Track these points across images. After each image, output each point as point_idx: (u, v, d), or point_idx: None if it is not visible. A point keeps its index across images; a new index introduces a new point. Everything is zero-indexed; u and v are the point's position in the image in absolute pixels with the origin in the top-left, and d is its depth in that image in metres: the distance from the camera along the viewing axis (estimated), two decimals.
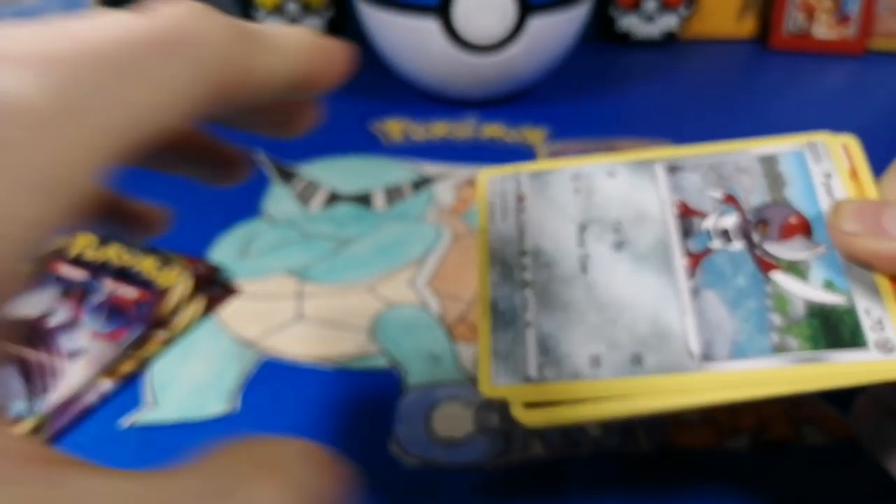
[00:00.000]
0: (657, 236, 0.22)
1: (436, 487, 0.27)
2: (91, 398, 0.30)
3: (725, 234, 0.22)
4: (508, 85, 0.53)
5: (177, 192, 0.46)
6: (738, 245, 0.22)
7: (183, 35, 0.14)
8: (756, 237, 0.21)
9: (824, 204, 0.21)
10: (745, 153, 0.24)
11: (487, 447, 0.28)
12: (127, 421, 0.30)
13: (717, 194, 0.23)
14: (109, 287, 0.35)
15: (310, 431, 0.29)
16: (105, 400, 0.31)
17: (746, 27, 0.65)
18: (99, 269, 0.36)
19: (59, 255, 0.37)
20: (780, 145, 0.23)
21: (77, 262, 0.37)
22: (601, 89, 0.57)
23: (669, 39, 0.64)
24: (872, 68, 0.60)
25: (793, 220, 0.21)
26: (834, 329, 0.19)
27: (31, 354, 0.32)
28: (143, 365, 0.32)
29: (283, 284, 0.37)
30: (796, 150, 0.23)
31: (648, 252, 0.22)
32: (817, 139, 0.23)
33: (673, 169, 0.24)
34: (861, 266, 0.20)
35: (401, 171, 0.46)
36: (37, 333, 0.33)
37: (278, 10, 0.62)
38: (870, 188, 0.22)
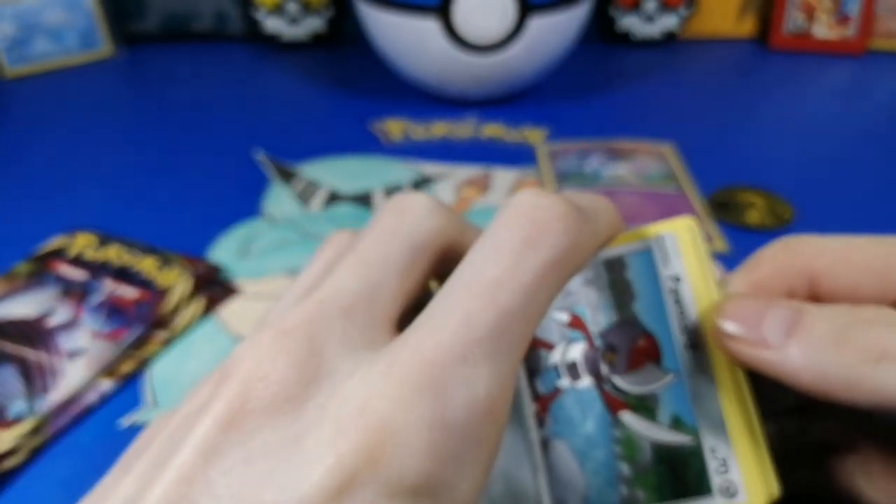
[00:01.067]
0: None
1: None
2: (91, 398, 0.30)
3: (573, 369, 0.20)
4: (508, 85, 0.53)
5: (177, 192, 0.46)
6: (586, 381, 0.20)
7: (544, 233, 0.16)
8: (604, 369, 0.19)
9: (673, 319, 0.19)
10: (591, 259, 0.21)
11: None
12: (127, 421, 0.30)
13: (564, 317, 0.20)
14: (109, 287, 0.35)
15: None
16: (105, 400, 0.31)
17: (746, 27, 0.65)
18: (99, 269, 0.36)
19: (59, 255, 0.37)
20: (628, 244, 0.20)
21: (77, 262, 0.37)
22: (601, 89, 0.57)
23: (669, 39, 0.64)
24: (872, 68, 0.60)
25: (641, 343, 0.19)
26: (680, 476, 0.18)
27: (31, 354, 0.32)
28: (143, 365, 0.32)
29: (283, 284, 0.37)
30: (643, 250, 0.20)
31: None
32: (665, 231, 0.20)
33: None
34: (743, 366, 0.19)
35: (401, 171, 0.46)
36: (37, 333, 0.33)
37: (278, 10, 0.62)
38: (712, 278, 0.21)
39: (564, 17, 0.50)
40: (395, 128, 0.51)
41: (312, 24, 0.63)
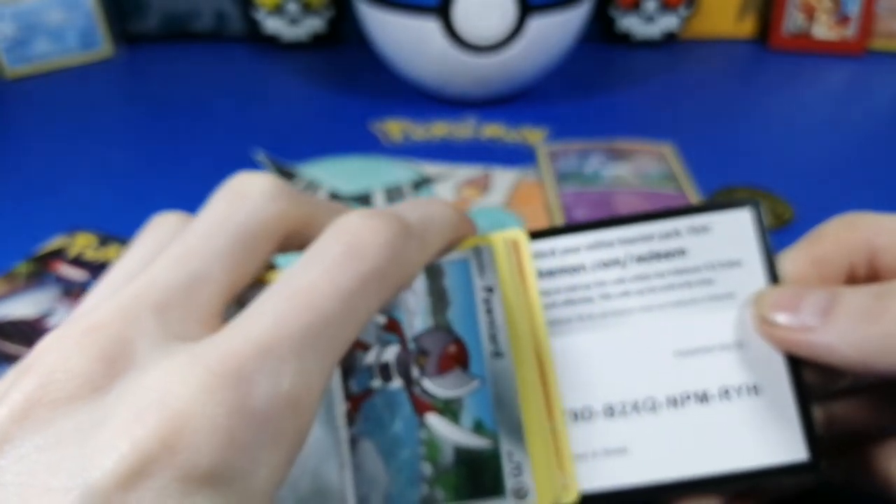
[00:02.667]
0: None
1: None
2: None
3: (386, 370, 0.20)
4: (508, 85, 0.53)
5: (177, 192, 0.46)
6: (397, 383, 0.20)
7: (362, 253, 0.16)
8: (415, 372, 0.20)
9: (483, 327, 0.20)
10: None
11: None
12: None
13: (381, 320, 0.21)
14: None
15: None
16: None
17: (746, 27, 0.65)
18: (99, 269, 0.36)
19: (59, 255, 0.37)
20: (456, 252, 0.21)
21: (77, 262, 0.37)
22: (601, 89, 0.57)
23: (669, 39, 0.64)
24: (872, 68, 0.60)
25: (451, 349, 0.20)
26: (478, 477, 0.19)
27: None
28: None
29: None
30: (462, 260, 0.21)
31: None
32: (484, 244, 0.21)
33: None
34: (787, 351, 0.20)
35: (401, 172, 0.46)
36: (37, 333, 0.33)
37: (278, 10, 0.62)
38: (533, 291, 0.21)
39: (564, 17, 0.50)
40: (395, 128, 0.51)
41: (312, 25, 0.63)
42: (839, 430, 0.22)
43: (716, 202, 0.22)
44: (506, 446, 0.20)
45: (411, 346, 0.20)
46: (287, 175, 0.46)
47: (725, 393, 0.20)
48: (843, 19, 0.61)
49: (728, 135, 0.50)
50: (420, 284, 0.21)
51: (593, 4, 0.53)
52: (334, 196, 0.44)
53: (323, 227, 0.17)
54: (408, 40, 0.50)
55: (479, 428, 0.20)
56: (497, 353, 0.20)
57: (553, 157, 0.48)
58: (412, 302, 0.21)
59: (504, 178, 0.46)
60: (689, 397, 0.21)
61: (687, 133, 0.50)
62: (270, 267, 0.19)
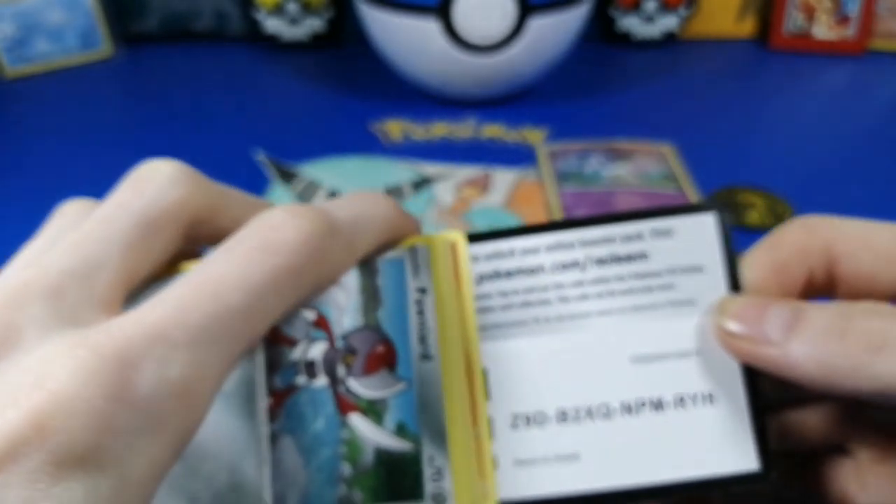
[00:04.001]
0: (245, 370, 0.20)
1: None
2: None
3: (311, 368, 0.20)
4: (508, 85, 0.53)
5: None
6: (322, 380, 0.20)
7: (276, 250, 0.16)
8: (341, 371, 0.20)
9: (413, 329, 0.20)
10: None
11: None
12: None
13: (311, 316, 0.20)
14: None
15: None
16: None
17: (746, 27, 0.65)
18: None
19: None
20: (393, 251, 0.21)
21: None
22: (601, 89, 0.57)
23: (669, 39, 0.64)
24: (872, 68, 0.60)
25: (379, 349, 0.20)
26: (397, 480, 0.19)
27: None
28: None
29: None
30: (397, 259, 0.21)
31: (235, 390, 0.20)
32: (421, 244, 0.21)
33: None
34: (746, 363, 0.20)
35: (401, 172, 0.46)
36: None
37: (278, 11, 0.62)
38: (468, 295, 0.21)
39: (564, 17, 0.50)
40: (395, 128, 0.51)
41: (312, 25, 0.63)
42: (794, 443, 0.22)
43: (680, 206, 0.22)
44: (428, 450, 0.20)
45: (339, 344, 0.20)
46: (287, 175, 0.46)
47: (681, 401, 0.20)
48: (843, 19, 0.61)
49: (728, 135, 0.50)
50: (352, 282, 0.20)
51: (593, 4, 0.53)
52: (335, 196, 0.44)
53: (240, 219, 0.17)
54: (408, 40, 0.50)
55: (401, 431, 0.20)
56: (425, 356, 0.20)
57: (553, 157, 0.48)
58: (343, 299, 0.20)
59: (504, 179, 0.46)
60: (644, 404, 0.21)
61: (687, 133, 0.50)
62: (196, 257, 0.19)
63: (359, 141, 0.50)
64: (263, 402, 0.20)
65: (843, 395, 0.17)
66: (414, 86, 0.55)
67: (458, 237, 0.22)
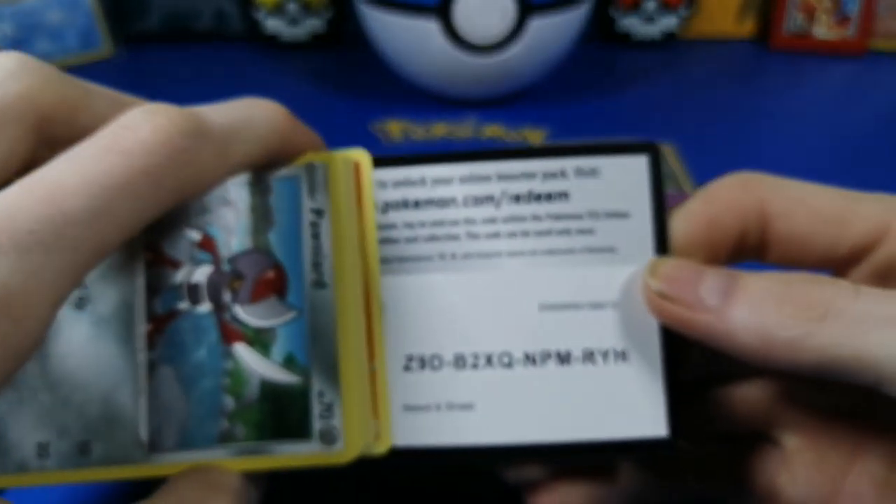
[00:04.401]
0: (122, 293, 0.19)
1: (435, 487, 0.27)
2: None
3: (195, 292, 0.19)
4: (508, 85, 0.53)
5: None
6: (206, 306, 0.18)
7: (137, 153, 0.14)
8: (227, 297, 0.18)
9: (306, 254, 0.18)
10: (241, 175, 0.19)
11: None
12: None
13: (196, 236, 0.19)
14: None
15: None
16: None
17: (746, 27, 0.65)
18: None
19: None
20: (289, 168, 0.19)
21: None
22: (601, 89, 0.57)
23: (669, 39, 0.64)
24: (872, 69, 0.60)
25: (269, 274, 0.18)
26: (283, 415, 0.18)
27: None
28: None
29: None
30: (292, 177, 0.19)
31: (111, 314, 0.18)
32: (319, 161, 0.19)
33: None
34: (675, 329, 0.18)
35: None
36: None
37: (278, 10, 0.62)
38: (370, 225, 0.20)
39: (564, 17, 0.50)
40: (395, 128, 0.51)
41: (312, 25, 0.63)
42: (717, 426, 0.21)
43: (611, 144, 0.20)
44: (317, 385, 0.18)
45: (225, 267, 0.19)
46: None
47: (590, 356, 0.19)
48: (843, 19, 0.61)
49: (728, 135, 0.50)
50: (242, 200, 0.19)
51: (593, 4, 0.53)
52: None
53: (106, 119, 0.15)
54: (408, 40, 0.50)
55: (289, 363, 0.18)
56: (319, 283, 0.18)
57: None
58: (231, 219, 0.19)
59: None
60: (549, 356, 0.19)
61: (687, 133, 0.50)
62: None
63: (359, 141, 0.50)
64: (142, 327, 0.18)
65: (780, 367, 0.16)
66: (414, 86, 0.55)
67: (363, 156, 0.20)
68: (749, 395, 0.20)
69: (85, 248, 0.14)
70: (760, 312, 0.16)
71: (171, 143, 0.15)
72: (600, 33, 0.64)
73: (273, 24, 0.63)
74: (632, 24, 0.63)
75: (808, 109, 0.54)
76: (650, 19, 0.63)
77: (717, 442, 0.21)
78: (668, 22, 0.63)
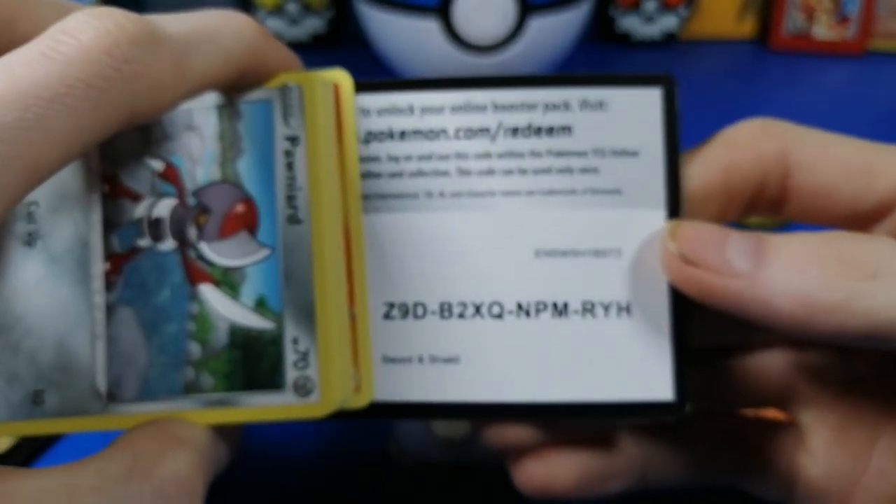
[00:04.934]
0: (77, 228, 0.17)
1: (435, 487, 0.27)
2: None
3: (157, 227, 0.17)
4: None
5: None
6: (169, 243, 0.17)
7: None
8: (192, 233, 0.17)
9: (280, 185, 0.17)
10: (208, 98, 0.17)
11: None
12: None
13: (158, 165, 0.17)
14: None
15: (308, 431, 0.29)
16: None
17: (746, 27, 0.65)
18: None
19: None
20: (262, 90, 0.17)
21: None
22: None
23: (669, 39, 0.64)
24: (872, 69, 0.60)
25: (239, 208, 0.17)
26: (253, 364, 0.16)
27: None
28: None
29: None
30: (264, 100, 0.17)
31: (64, 251, 0.17)
32: (295, 83, 0.17)
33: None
34: (697, 298, 0.16)
35: None
36: None
37: (278, 10, 0.62)
38: (351, 156, 0.18)
39: (564, 17, 0.50)
40: None
41: (312, 25, 0.63)
42: (729, 402, 0.19)
43: (622, 75, 0.18)
44: (291, 331, 0.16)
45: (190, 200, 0.17)
46: None
47: (590, 308, 0.17)
48: (842, 20, 0.61)
49: None
50: (209, 126, 0.17)
51: (593, 4, 0.53)
52: None
53: (49, 26, 0.14)
54: (408, 40, 0.50)
55: (261, 306, 0.17)
56: (294, 219, 0.17)
57: None
58: (197, 147, 0.17)
59: None
60: (544, 307, 0.17)
61: (687, 133, 0.49)
62: None
63: None
64: (99, 266, 0.17)
65: (822, 335, 0.15)
66: None
67: (344, 78, 0.18)
68: (764, 367, 0.19)
69: (15, 167, 0.12)
70: (801, 274, 0.14)
71: (116, 51, 0.13)
72: (600, 33, 0.64)
73: (273, 24, 0.63)
74: (632, 24, 0.63)
75: (807, 109, 0.54)
76: (650, 19, 0.63)
77: (728, 418, 0.20)
78: (668, 22, 0.63)
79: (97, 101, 0.13)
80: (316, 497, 0.27)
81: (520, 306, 0.17)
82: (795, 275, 0.15)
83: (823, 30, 0.62)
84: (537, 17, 0.48)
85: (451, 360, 0.17)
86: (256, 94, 0.17)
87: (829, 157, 0.17)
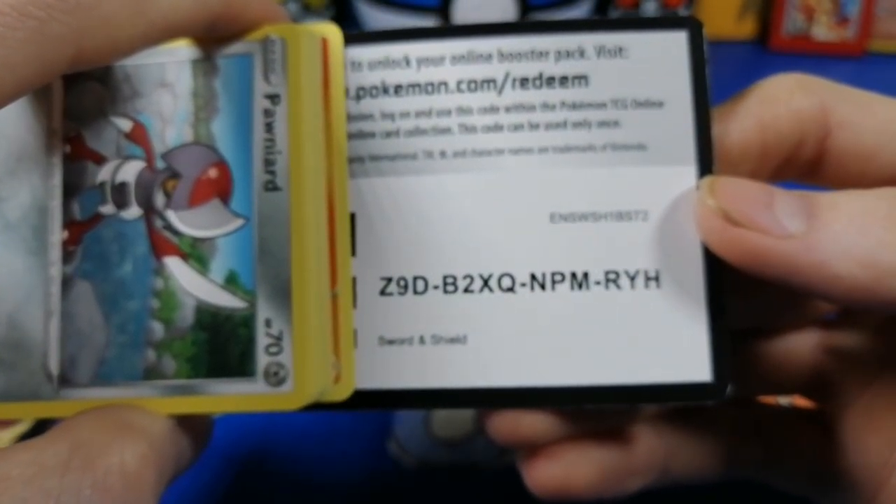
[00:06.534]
0: (34, 193, 0.15)
1: (435, 487, 0.27)
2: None
3: (121, 192, 0.16)
4: None
5: None
6: (133, 212, 0.16)
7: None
8: (160, 199, 0.15)
9: (257, 149, 0.15)
10: (182, 51, 0.15)
11: (487, 447, 0.28)
12: None
13: (125, 124, 0.16)
14: None
15: (308, 431, 0.29)
16: None
17: (746, 28, 0.65)
18: None
19: None
20: (241, 42, 0.15)
21: None
22: None
23: None
24: (872, 70, 0.60)
25: (212, 173, 0.15)
26: (221, 348, 0.15)
27: None
28: None
29: None
30: (243, 54, 0.15)
31: (19, 218, 0.15)
32: (277, 35, 0.15)
33: (131, 77, 0.15)
34: (738, 263, 0.14)
35: None
36: None
37: None
38: (339, 116, 0.16)
39: (564, 17, 0.50)
40: None
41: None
42: (761, 386, 0.17)
43: (642, 18, 0.16)
44: (264, 311, 0.15)
45: (159, 164, 0.16)
46: None
47: (614, 278, 0.15)
48: (842, 20, 0.61)
49: None
50: (182, 82, 0.15)
51: (593, 4, 0.53)
52: None
53: None
54: None
55: (232, 282, 0.15)
56: (271, 186, 0.15)
57: None
58: (168, 104, 0.16)
59: None
60: (561, 278, 0.15)
61: None
62: None
63: None
64: (56, 235, 0.16)
65: (884, 303, 0.13)
66: None
67: (332, 30, 0.17)
68: (791, 350, 0.17)
69: None
70: (862, 234, 0.13)
71: None
72: None
73: None
74: None
75: None
76: None
77: (753, 407, 0.18)
78: None
79: (35, 32, 0.11)
80: (316, 497, 0.27)
81: (533, 278, 0.15)
82: (856, 235, 0.13)
83: (823, 30, 0.62)
84: (537, 17, 0.48)
85: (456, 341, 0.16)
86: (235, 48, 0.15)
87: (871, 118, 0.16)
